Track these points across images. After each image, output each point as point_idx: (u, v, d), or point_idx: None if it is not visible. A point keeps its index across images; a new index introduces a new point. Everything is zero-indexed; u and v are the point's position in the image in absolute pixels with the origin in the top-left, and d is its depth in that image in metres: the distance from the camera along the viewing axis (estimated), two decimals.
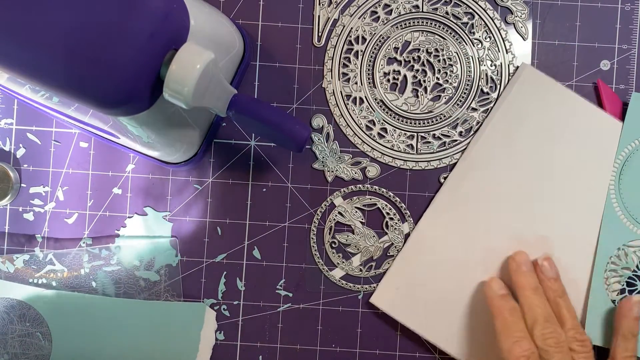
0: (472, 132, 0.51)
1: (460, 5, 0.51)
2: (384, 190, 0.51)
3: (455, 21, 0.50)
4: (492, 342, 0.46)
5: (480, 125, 0.50)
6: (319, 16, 0.51)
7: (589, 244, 0.49)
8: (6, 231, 0.51)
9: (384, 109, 0.51)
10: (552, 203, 0.49)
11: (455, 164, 0.50)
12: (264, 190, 0.51)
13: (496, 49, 0.51)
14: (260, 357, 0.51)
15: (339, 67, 0.51)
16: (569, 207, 0.49)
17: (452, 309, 0.49)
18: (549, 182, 0.49)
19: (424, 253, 0.50)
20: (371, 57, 0.51)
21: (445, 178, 0.50)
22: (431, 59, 0.51)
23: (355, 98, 0.51)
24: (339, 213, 0.51)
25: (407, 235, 0.51)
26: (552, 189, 0.49)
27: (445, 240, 0.50)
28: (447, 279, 0.49)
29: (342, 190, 0.51)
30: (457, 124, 0.51)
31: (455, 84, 0.51)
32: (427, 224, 0.50)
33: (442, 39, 0.51)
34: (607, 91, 0.50)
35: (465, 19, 0.50)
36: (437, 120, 0.51)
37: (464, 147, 0.50)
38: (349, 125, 0.51)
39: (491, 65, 0.51)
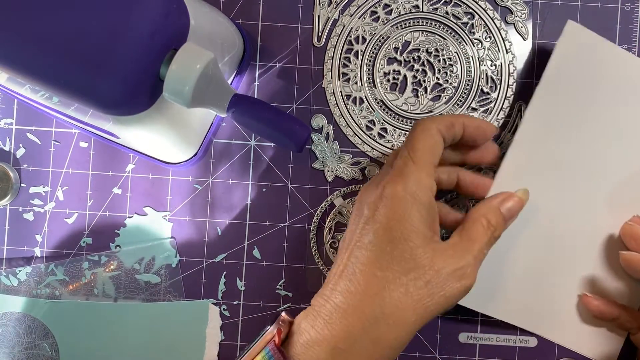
0: None
1: (460, 5, 0.51)
2: None
3: (455, 21, 0.50)
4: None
5: (531, 99, 0.47)
6: (319, 16, 0.51)
7: None
8: (6, 231, 0.52)
9: (384, 109, 0.51)
10: (618, 168, 0.47)
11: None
12: (264, 190, 0.51)
13: (496, 49, 0.51)
14: None
15: (339, 67, 0.51)
16: (633, 168, 0.47)
17: (538, 290, 0.47)
18: (611, 147, 0.47)
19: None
20: (371, 57, 0.51)
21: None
22: (431, 59, 0.51)
23: (355, 98, 0.51)
24: (339, 213, 0.51)
25: None
26: (614, 153, 0.47)
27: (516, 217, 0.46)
28: (523, 257, 0.47)
29: (342, 190, 0.51)
30: None
31: (455, 84, 0.51)
32: None
33: (442, 39, 0.51)
34: None
35: (465, 19, 0.50)
36: None
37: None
38: (349, 125, 0.51)
39: (491, 65, 0.51)
